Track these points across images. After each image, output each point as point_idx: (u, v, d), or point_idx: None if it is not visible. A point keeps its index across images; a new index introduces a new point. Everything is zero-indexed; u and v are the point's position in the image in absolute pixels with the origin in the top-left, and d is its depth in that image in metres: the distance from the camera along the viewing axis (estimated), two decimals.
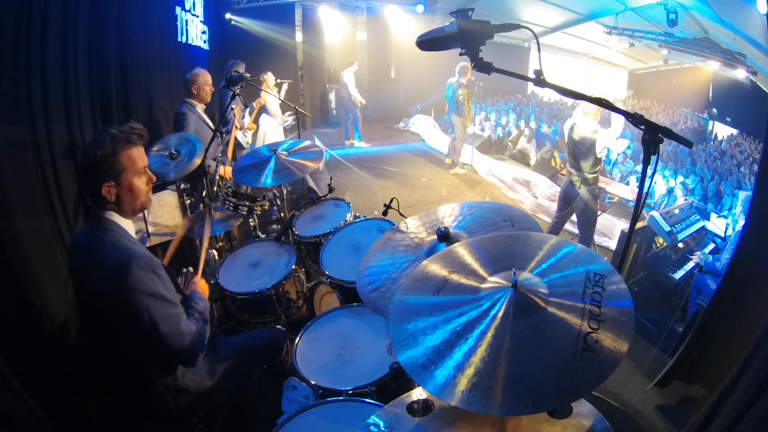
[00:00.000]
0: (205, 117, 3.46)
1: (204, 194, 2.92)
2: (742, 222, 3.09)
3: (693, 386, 2.45)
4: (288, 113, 5.47)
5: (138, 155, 1.50)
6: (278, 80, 5.34)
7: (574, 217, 4.20)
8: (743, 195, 3.11)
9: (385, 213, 2.27)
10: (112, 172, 1.43)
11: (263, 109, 5.30)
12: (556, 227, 4.19)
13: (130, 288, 1.37)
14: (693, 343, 2.44)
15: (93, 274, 1.44)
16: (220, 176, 3.19)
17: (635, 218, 1.19)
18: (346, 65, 7.65)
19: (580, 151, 3.69)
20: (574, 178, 3.82)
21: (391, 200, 2.19)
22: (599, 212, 4.05)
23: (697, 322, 2.59)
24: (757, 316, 1.98)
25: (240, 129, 4.37)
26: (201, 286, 1.82)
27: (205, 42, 5.83)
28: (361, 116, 7.91)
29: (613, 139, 3.61)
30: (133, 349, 1.56)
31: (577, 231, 4.18)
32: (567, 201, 3.98)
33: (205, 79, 3.30)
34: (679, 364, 2.50)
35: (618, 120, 3.56)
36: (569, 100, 10.27)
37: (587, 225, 3.92)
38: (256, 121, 5.03)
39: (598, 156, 3.64)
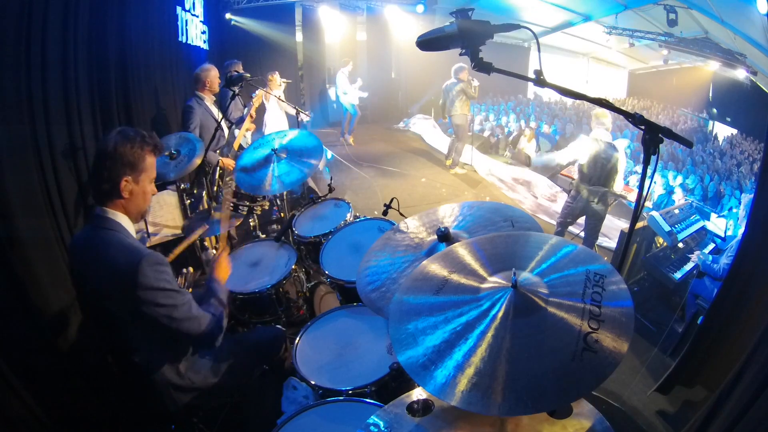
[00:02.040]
0: (213, 109, 3.57)
1: (204, 194, 2.93)
2: (743, 227, 3.07)
3: (694, 390, 2.45)
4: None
5: (154, 164, 1.57)
6: (282, 80, 5.35)
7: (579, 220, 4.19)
8: (746, 199, 3.09)
9: (385, 213, 2.27)
10: (135, 168, 1.48)
11: (263, 109, 5.30)
12: (560, 231, 4.16)
13: (142, 285, 1.38)
14: (694, 348, 2.44)
15: (99, 273, 1.44)
16: (220, 172, 3.20)
17: (635, 218, 1.19)
18: (340, 65, 7.65)
19: (604, 167, 3.61)
20: (583, 191, 3.75)
21: (391, 200, 2.19)
22: (604, 216, 4.04)
23: (697, 325, 2.58)
24: (758, 318, 1.98)
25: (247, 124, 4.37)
26: (222, 270, 1.81)
27: (205, 42, 5.83)
28: (357, 114, 7.83)
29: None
30: (136, 347, 1.56)
31: (576, 231, 4.18)
32: (573, 214, 3.95)
33: (216, 73, 3.57)
34: (680, 369, 2.49)
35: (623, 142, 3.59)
36: (569, 100, 10.28)
37: (593, 230, 3.91)
38: (254, 120, 5.04)
39: (617, 173, 3.61)
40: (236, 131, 3.93)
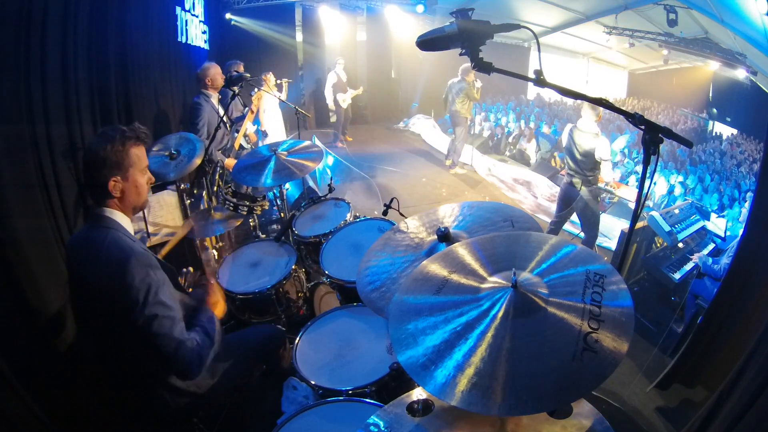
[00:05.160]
0: (219, 108, 3.63)
1: (204, 194, 2.93)
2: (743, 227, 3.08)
3: (693, 389, 2.45)
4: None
5: (143, 154, 1.56)
6: (278, 80, 5.35)
7: (573, 218, 4.21)
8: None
9: (385, 213, 2.27)
10: (120, 167, 1.48)
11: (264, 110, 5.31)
12: (555, 228, 4.19)
13: (128, 284, 1.37)
14: (693, 346, 2.44)
15: (93, 270, 1.44)
16: (220, 172, 3.21)
17: (635, 218, 1.19)
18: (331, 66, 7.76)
19: (580, 153, 3.69)
20: (574, 179, 3.82)
21: (391, 200, 2.19)
22: (600, 212, 4.05)
23: (696, 324, 2.59)
24: (757, 318, 1.98)
25: (247, 123, 4.36)
26: (218, 308, 1.73)
27: (205, 42, 5.83)
28: (341, 118, 7.93)
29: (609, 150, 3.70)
30: (132, 349, 1.55)
31: (576, 231, 4.19)
32: (567, 202, 3.98)
33: (216, 70, 3.60)
34: (680, 366, 2.50)
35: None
36: (569, 100, 10.27)
37: (590, 225, 3.92)
38: (255, 121, 5.04)
39: (598, 160, 3.66)
40: (235, 132, 3.95)
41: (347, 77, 7.87)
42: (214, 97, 3.61)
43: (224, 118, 3.34)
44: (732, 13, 5.72)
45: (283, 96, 5.39)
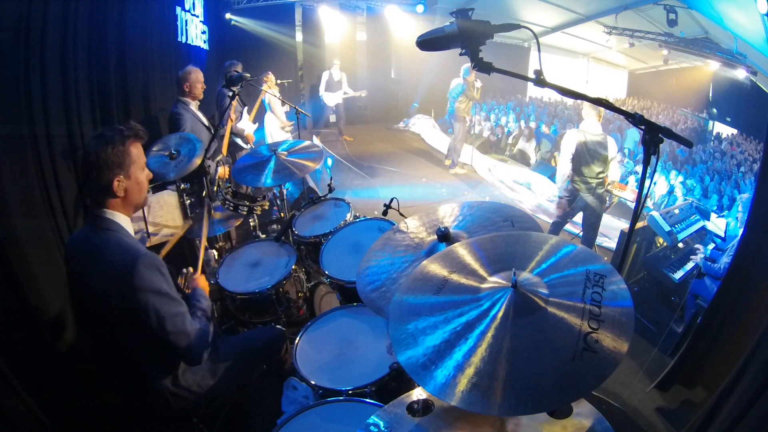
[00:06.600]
0: (200, 115, 3.47)
1: (204, 194, 2.92)
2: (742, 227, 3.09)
3: (693, 389, 2.45)
4: (289, 123, 5.46)
5: (141, 151, 1.57)
6: (278, 80, 5.35)
7: (574, 218, 4.20)
8: (744, 198, 3.12)
9: (385, 213, 2.27)
10: (122, 166, 1.49)
11: (265, 109, 5.31)
12: (557, 228, 4.19)
13: (137, 287, 1.38)
14: (693, 346, 2.45)
15: (97, 274, 1.44)
16: (219, 177, 3.19)
17: (635, 218, 1.19)
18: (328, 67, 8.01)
19: (595, 157, 3.68)
20: (579, 185, 3.81)
21: (391, 200, 2.19)
22: (602, 213, 4.06)
23: (696, 324, 2.59)
24: (757, 318, 1.98)
25: (234, 125, 4.32)
26: (201, 284, 1.83)
27: (205, 42, 5.82)
28: (335, 115, 8.26)
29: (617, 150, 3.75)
30: (134, 349, 1.56)
31: (576, 231, 4.19)
32: (569, 203, 3.98)
33: (197, 76, 3.33)
34: (680, 366, 2.50)
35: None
36: (569, 100, 10.27)
37: (591, 228, 3.93)
38: (255, 120, 5.03)
39: (610, 160, 3.67)
40: (221, 138, 3.82)
41: (348, 78, 7.97)
42: (193, 105, 3.37)
43: (206, 123, 3.23)
44: (731, 15, 5.72)
45: (282, 97, 5.38)
